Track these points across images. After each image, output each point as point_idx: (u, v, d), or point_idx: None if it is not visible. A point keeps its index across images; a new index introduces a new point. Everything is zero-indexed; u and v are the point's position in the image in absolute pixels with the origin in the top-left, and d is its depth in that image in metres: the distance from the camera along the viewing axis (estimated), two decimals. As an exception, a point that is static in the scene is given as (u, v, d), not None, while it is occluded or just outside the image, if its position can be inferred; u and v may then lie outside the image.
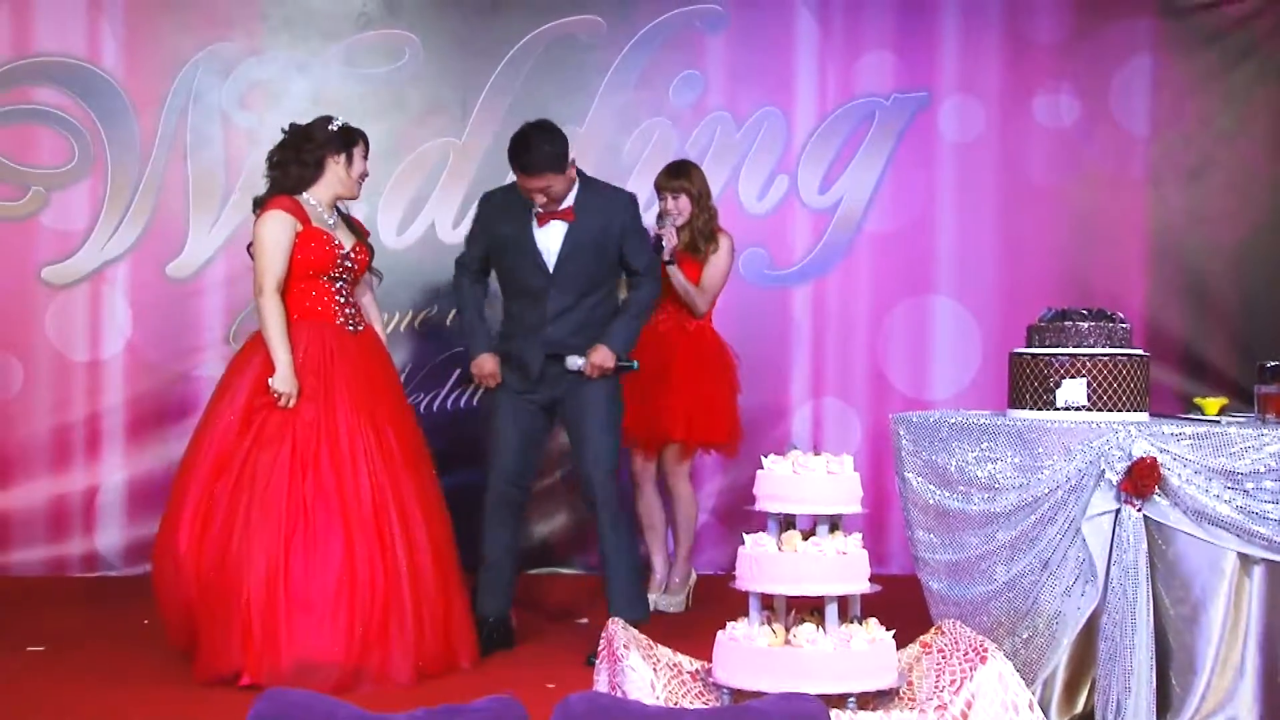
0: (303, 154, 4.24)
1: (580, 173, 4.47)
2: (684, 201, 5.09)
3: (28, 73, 5.72)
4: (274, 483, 4.00)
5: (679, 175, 5.16)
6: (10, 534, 5.66)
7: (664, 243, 4.92)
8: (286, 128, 4.33)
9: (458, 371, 5.90)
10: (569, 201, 4.41)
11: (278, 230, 4.15)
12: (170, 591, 4.09)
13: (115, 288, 5.76)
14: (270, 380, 4.09)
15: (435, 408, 5.91)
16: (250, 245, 4.29)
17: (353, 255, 4.29)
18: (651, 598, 5.16)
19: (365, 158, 4.36)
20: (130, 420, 5.72)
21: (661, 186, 5.16)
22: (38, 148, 5.73)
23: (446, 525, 4.31)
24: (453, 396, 5.92)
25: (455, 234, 5.91)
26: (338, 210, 4.34)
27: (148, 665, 4.14)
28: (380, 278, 4.55)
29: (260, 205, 4.27)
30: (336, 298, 4.25)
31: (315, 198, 4.27)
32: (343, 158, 4.28)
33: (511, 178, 4.47)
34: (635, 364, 4.42)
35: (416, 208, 5.91)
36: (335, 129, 4.29)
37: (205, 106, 5.79)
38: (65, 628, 4.67)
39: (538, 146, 4.30)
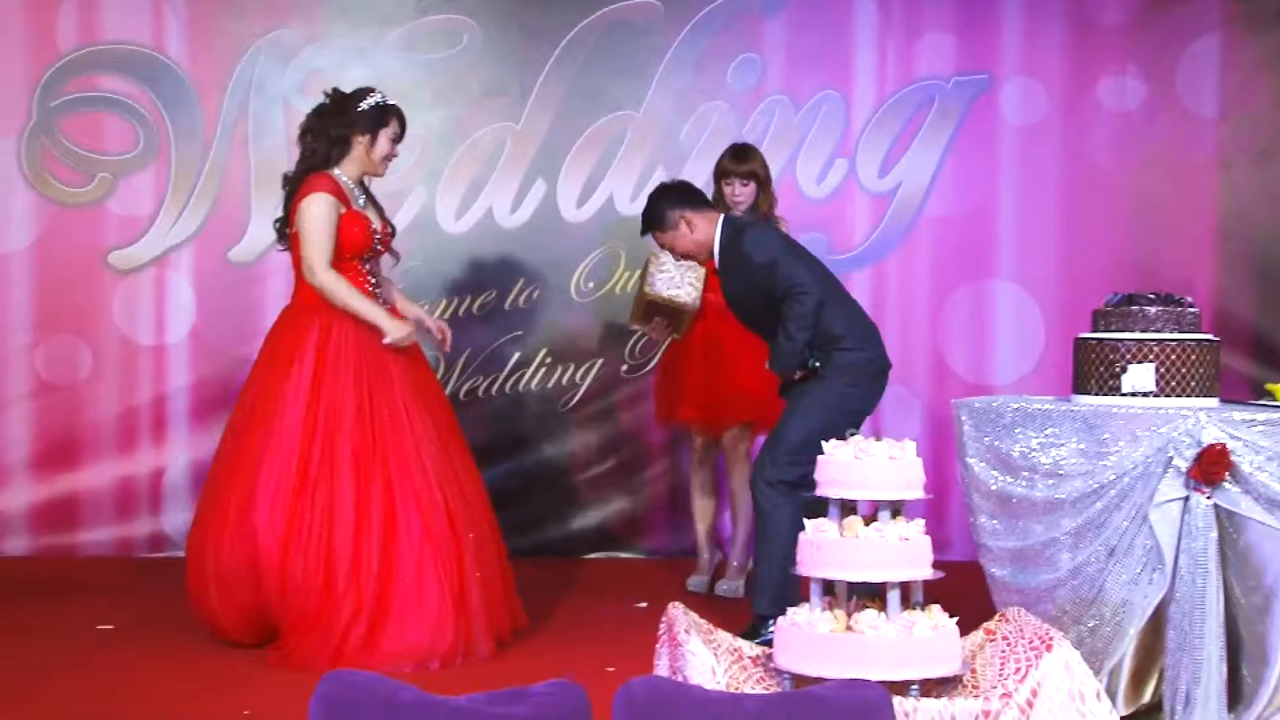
0: (330, 128, 4.20)
1: (730, 221, 4.42)
2: (751, 187, 5.00)
3: (94, 61, 5.80)
4: (342, 470, 4.02)
5: (748, 159, 5.04)
6: (80, 515, 5.77)
7: None
8: (329, 92, 4.29)
9: (517, 355, 5.93)
10: (716, 257, 4.42)
11: (327, 211, 4.14)
12: (238, 580, 4.04)
13: (179, 273, 5.84)
14: (385, 341, 4.11)
15: (494, 391, 5.94)
16: (279, 223, 4.27)
17: (381, 234, 4.29)
18: (697, 580, 5.15)
19: (396, 140, 4.28)
20: (195, 403, 5.80)
21: (730, 171, 5.01)
22: (104, 135, 5.82)
23: (486, 497, 4.32)
24: (511, 381, 5.94)
25: (513, 219, 5.94)
26: (363, 186, 4.32)
27: (213, 644, 4.19)
28: (398, 258, 4.49)
29: (296, 183, 4.22)
30: (368, 279, 4.26)
31: (345, 174, 4.24)
32: (367, 138, 4.22)
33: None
34: (814, 363, 4.26)
35: (474, 192, 5.93)
36: (368, 106, 4.22)
37: (266, 93, 5.84)
38: (134, 607, 4.75)
39: (648, 205, 4.43)
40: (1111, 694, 3.48)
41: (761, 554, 4.26)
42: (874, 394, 4.33)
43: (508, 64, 5.93)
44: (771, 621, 4.11)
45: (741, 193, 4.99)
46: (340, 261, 4.19)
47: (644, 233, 4.47)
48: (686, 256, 4.47)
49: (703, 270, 4.90)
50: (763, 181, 5.03)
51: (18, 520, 5.75)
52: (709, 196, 4.80)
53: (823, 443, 3.41)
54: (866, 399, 4.31)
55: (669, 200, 4.39)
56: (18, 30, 5.77)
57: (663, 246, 4.49)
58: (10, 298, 5.76)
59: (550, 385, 5.93)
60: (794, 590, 4.12)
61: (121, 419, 5.79)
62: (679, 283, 4.92)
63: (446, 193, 5.92)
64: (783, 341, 4.23)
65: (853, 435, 3.39)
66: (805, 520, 3.37)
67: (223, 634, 4.17)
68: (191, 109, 5.83)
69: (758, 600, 4.25)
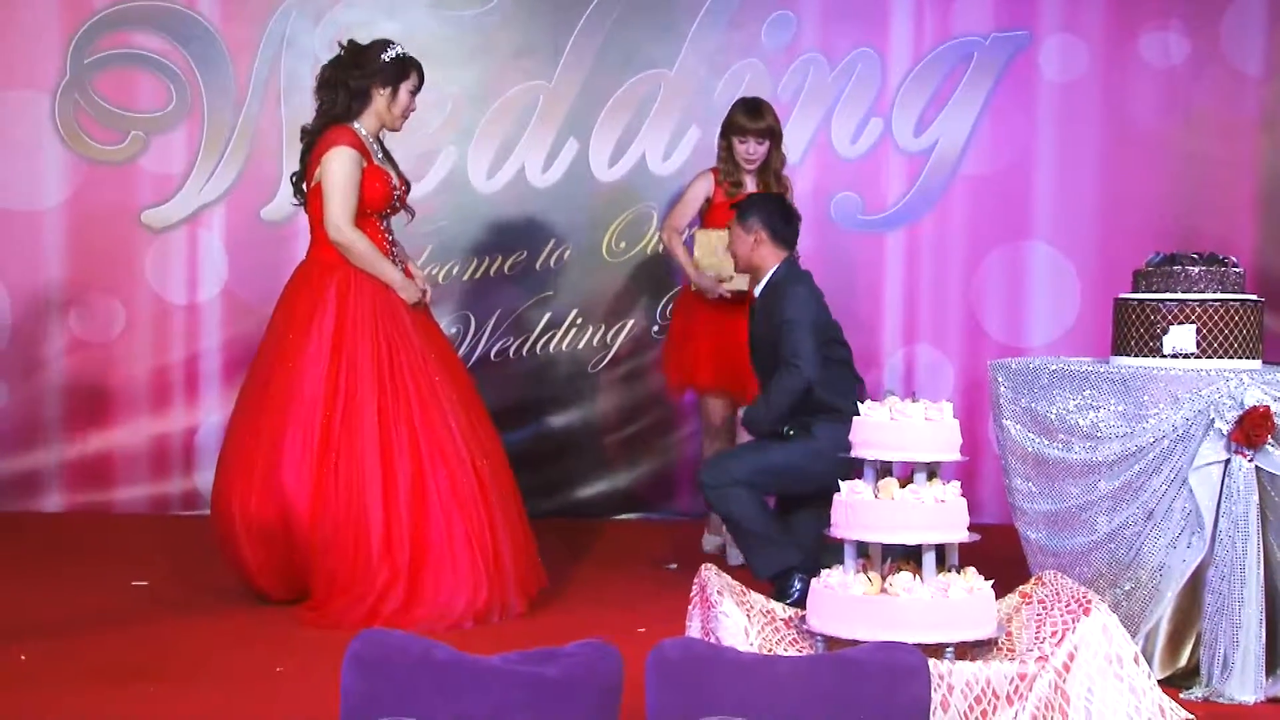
0: (350, 80, 4.14)
1: (791, 264, 4.43)
2: (766, 145, 4.89)
3: (128, 17, 5.79)
4: (367, 430, 4.01)
5: (764, 115, 4.89)
6: (114, 473, 5.81)
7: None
8: (344, 43, 4.24)
9: (547, 316, 5.91)
10: (758, 291, 4.47)
11: (351, 166, 4.10)
12: (269, 538, 4.04)
13: (212, 231, 5.85)
14: (404, 300, 4.12)
15: (525, 352, 5.93)
16: (296, 176, 4.21)
17: (400, 191, 4.25)
18: (711, 540, 5.12)
19: (414, 93, 4.22)
20: (226, 362, 5.82)
21: (746, 129, 4.86)
22: (137, 92, 5.81)
23: (505, 455, 4.29)
24: (541, 342, 5.92)
25: (544, 178, 5.90)
26: (379, 141, 4.27)
27: (245, 602, 4.22)
28: (413, 215, 4.44)
29: (315, 136, 4.16)
30: (386, 236, 4.23)
31: (364, 128, 4.19)
32: (388, 91, 4.17)
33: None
34: (789, 431, 4.38)
35: (506, 151, 5.90)
36: (388, 59, 4.16)
37: (298, 51, 5.82)
38: (167, 564, 4.78)
39: (751, 198, 4.59)
40: (1148, 657, 3.45)
41: (741, 544, 4.39)
42: (842, 473, 4.27)
43: (540, 22, 5.87)
44: (797, 579, 4.12)
45: (757, 151, 4.87)
46: (360, 218, 4.15)
47: (742, 211, 4.51)
48: (734, 259, 4.53)
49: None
50: (777, 137, 4.91)
51: (53, 477, 5.79)
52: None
53: (858, 404, 3.38)
54: (835, 476, 4.29)
55: (766, 211, 4.45)
56: (51, -13, 5.76)
57: (727, 229, 4.52)
58: (44, 255, 5.79)
59: (581, 346, 5.91)
60: (786, 551, 4.22)
61: (154, 377, 5.82)
62: (729, 264, 4.71)
63: (478, 152, 5.89)
64: (762, 404, 4.37)
65: (889, 396, 3.35)
66: (840, 482, 3.34)
67: (257, 587, 4.18)
68: (224, 67, 5.81)
69: (756, 571, 4.31)
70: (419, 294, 4.21)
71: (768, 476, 4.32)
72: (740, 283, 4.76)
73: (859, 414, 3.33)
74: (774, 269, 4.43)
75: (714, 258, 4.84)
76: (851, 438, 3.35)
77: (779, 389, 4.31)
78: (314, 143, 4.18)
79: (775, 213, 4.47)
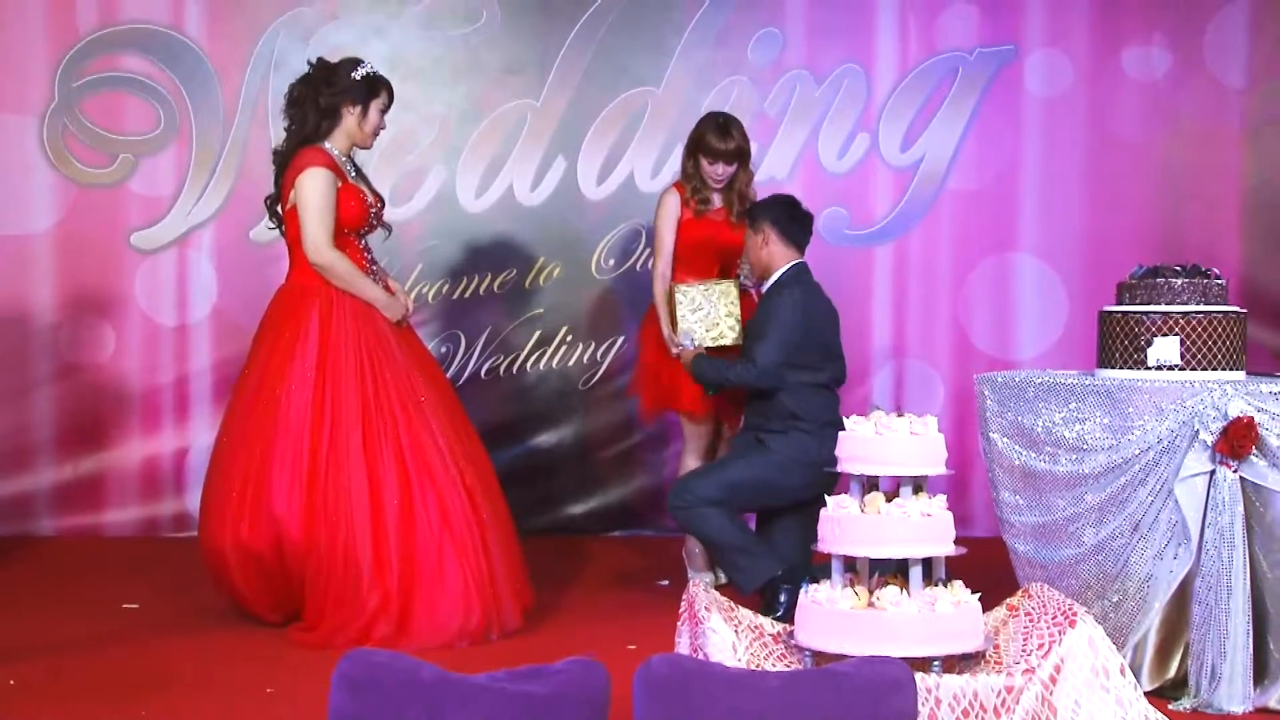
0: (320, 98, 4.12)
1: (800, 269, 4.45)
2: (734, 166, 4.72)
3: (115, 41, 5.81)
4: (354, 453, 3.99)
5: (733, 135, 4.66)
6: (105, 495, 5.81)
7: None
8: (314, 61, 4.22)
9: (537, 333, 5.92)
10: (768, 286, 4.52)
11: (325, 186, 4.07)
12: (259, 566, 4.02)
13: (201, 252, 5.85)
14: (387, 317, 4.13)
15: (515, 370, 5.94)
16: (270, 199, 4.19)
17: (375, 208, 4.24)
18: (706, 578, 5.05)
19: (384, 111, 4.20)
20: (217, 383, 5.81)
21: (717, 152, 4.64)
22: (126, 115, 5.82)
23: (493, 470, 4.28)
24: (530, 360, 5.93)
25: (532, 196, 5.92)
26: (351, 159, 4.25)
27: (235, 624, 4.22)
28: (390, 231, 4.41)
29: (287, 157, 4.14)
30: (365, 255, 4.22)
31: (335, 147, 4.17)
32: (358, 109, 4.16)
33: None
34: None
35: (494, 170, 5.91)
36: (358, 77, 4.14)
37: (286, 72, 5.80)
38: (158, 586, 4.78)
39: (763, 200, 4.61)
40: (1137, 669, 3.46)
41: (720, 562, 4.44)
42: (814, 484, 4.28)
43: (527, 40, 5.90)
44: (783, 591, 4.13)
45: (725, 171, 4.71)
46: (339, 237, 4.13)
47: (745, 217, 4.56)
48: (750, 266, 4.57)
49: (734, 291, 4.65)
50: (745, 157, 4.74)
51: (43, 500, 5.79)
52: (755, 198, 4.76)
53: (844, 419, 3.39)
54: (805, 488, 4.34)
55: (774, 211, 4.48)
56: (39, 11, 5.77)
57: (707, 282, 4.59)
58: (33, 279, 5.79)
59: (570, 364, 5.93)
60: (766, 561, 4.25)
61: (145, 399, 5.82)
62: (715, 320, 4.63)
63: (466, 170, 5.90)
64: (721, 365, 4.44)
65: (875, 410, 3.37)
66: (826, 498, 3.35)
67: (249, 611, 4.18)
68: (212, 88, 5.83)
69: (740, 587, 4.31)
70: (402, 311, 4.22)
71: (735, 493, 4.33)
72: (724, 340, 4.63)
73: (834, 427, 3.34)
74: (782, 270, 4.44)
75: (694, 314, 4.63)
76: (837, 452, 3.37)
77: (734, 373, 4.41)
78: (286, 164, 4.16)
79: (782, 212, 4.48)
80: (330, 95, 4.13)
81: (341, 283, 4.12)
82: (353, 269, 4.13)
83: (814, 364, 4.39)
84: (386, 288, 4.24)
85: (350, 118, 4.17)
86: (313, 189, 4.06)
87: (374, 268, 4.25)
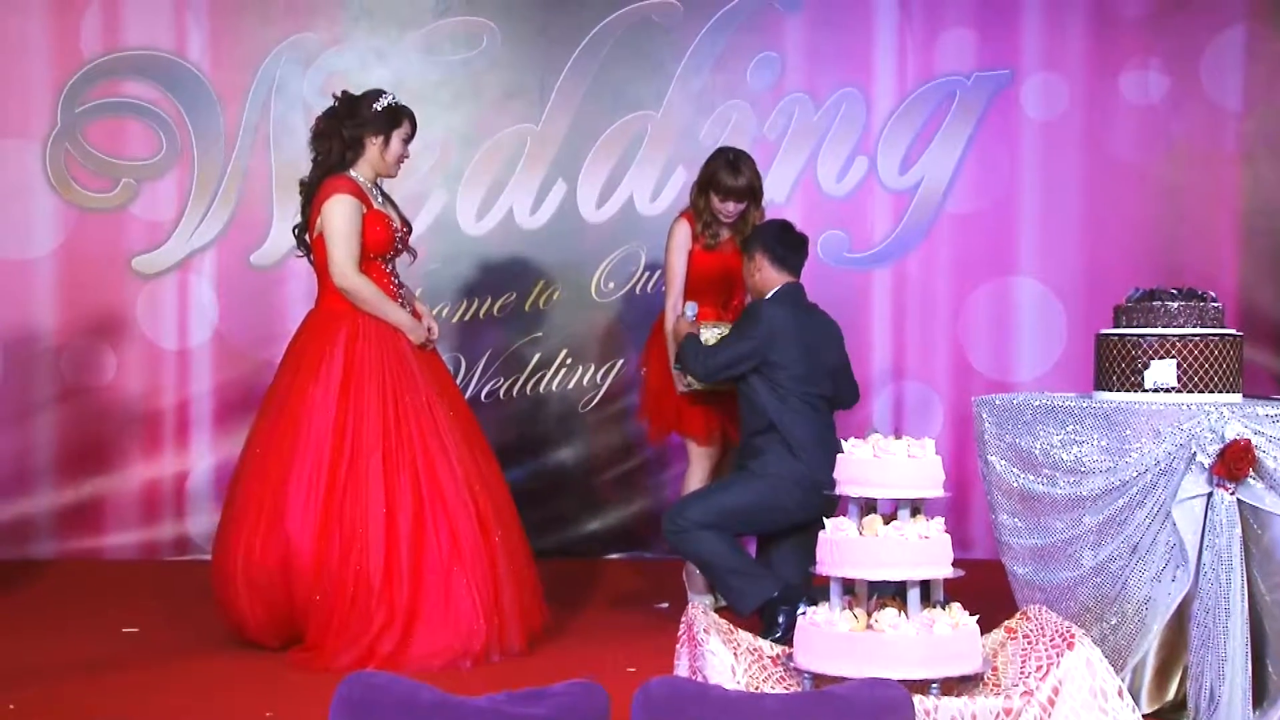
0: (344, 130, 4.22)
1: (793, 290, 4.48)
2: (745, 204, 4.70)
3: (117, 66, 5.85)
4: (371, 477, 4.03)
5: (744, 172, 4.65)
6: (105, 518, 5.81)
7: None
8: (338, 94, 4.31)
9: (537, 356, 5.94)
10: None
11: (351, 212, 4.16)
12: (269, 585, 4.04)
13: (202, 277, 5.88)
14: (412, 341, 4.18)
15: (515, 393, 5.95)
16: (298, 228, 4.27)
17: (401, 233, 4.30)
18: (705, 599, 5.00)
19: (407, 141, 4.30)
20: (218, 407, 5.83)
21: (729, 190, 4.62)
22: (128, 140, 5.86)
23: (509, 495, 4.32)
24: (531, 382, 5.95)
25: (533, 219, 5.95)
26: (378, 186, 4.33)
27: (236, 647, 4.22)
28: (415, 256, 4.47)
29: (314, 187, 4.23)
30: (392, 279, 4.28)
31: (361, 175, 4.26)
32: (380, 140, 4.24)
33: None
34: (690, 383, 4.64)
35: (495, 194, 5.94)
36: (380, 109, 4.24)
37: (287, 97, 5.87)
38: (158, 609, 4.78)
39: (762, 225, 4.67)
40: (1135, 692, 3.46)
41: (717, 585, 4.44)
42: (807, 505, 4.30)
43: (527, 65, 5.94)
44: (782, 613, 4.14)
45: (736, 209, 4.70)
46: (365, 261, 4.21)
47: (746, 244, 4.58)
48: (747, 287, 4.62)
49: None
50: (757, 195, 4.73)
51: (44, 524, 5.79)
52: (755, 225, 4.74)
53: (842, 441, 3.40)
54: (800, 509, 4.35)
55: (766, 237, 4.51)
56: (42, 37, 5.81)
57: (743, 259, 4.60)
58: (35, 303, 5.81)
59: (571, 386, 5.94)
60: (762, 582, 4.24)
61: (146, 423, 5.83)
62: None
63: (467, 194, 5.93)
64: (704, 353, 4.48)
65: (873, 433, 3.38)
66: (825, 520, 3.36)
67: (249, 636, 4.18)
68: (213, 113, 5.86)
69: (738, 609, 4.31)
70: (425, 334, 4.26)
71: (728, 517, 4.34)
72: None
73: (824, 448, 3.35)
74: (780, 289, 4.47)
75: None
76: (836, 474, 3.38)
77: (691, 357, 4.51)
78: (313, 194, 4.25)
79: (773, 237, 4.51)
80: (353, 127, 4.22)
81: (367, 306, 4.17)
82: (378, 293, 4.18)
83: (801, 376, 4.39)
84: (414, 311, 4.29)
85: (373, 148, 4.25)
86: (338, 214, 4.15)
87: (401, 291, 4.31)
